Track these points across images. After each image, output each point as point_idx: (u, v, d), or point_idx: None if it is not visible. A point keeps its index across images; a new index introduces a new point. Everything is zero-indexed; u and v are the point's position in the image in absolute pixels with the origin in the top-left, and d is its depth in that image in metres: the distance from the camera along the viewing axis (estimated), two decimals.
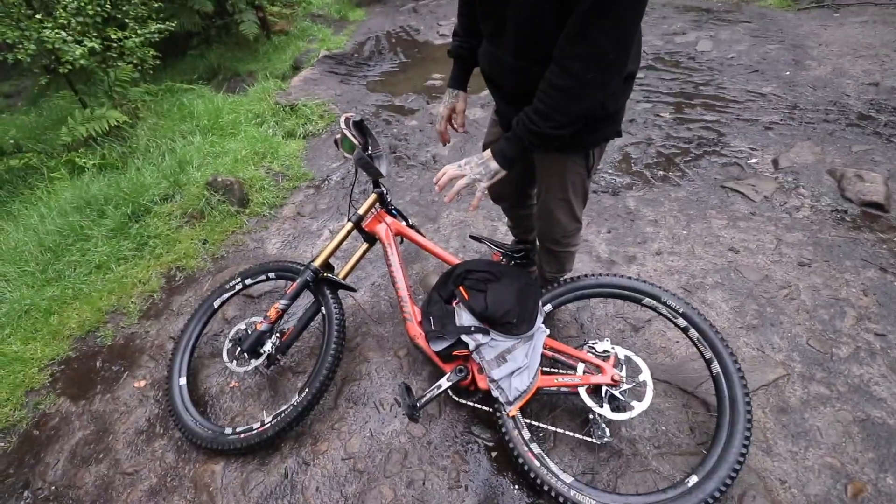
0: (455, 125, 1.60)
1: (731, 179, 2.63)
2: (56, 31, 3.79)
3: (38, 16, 3.85)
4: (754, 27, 4.82)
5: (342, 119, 1.69)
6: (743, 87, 3.65)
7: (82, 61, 3.90)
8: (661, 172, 2.77)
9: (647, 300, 1.51)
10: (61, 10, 3.96)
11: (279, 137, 3.66)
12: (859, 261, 2.07)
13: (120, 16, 4.73)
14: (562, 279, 1.63)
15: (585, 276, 1.59)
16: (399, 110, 4.08)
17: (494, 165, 1.14)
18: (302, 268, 1.79)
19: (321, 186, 3.09)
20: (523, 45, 1.05)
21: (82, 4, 4.08)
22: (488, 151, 1.16)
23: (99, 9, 4.17)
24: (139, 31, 4.55)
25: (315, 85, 4.73)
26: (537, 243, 1.68)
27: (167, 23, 4.81)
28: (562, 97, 0.98)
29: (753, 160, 2.79)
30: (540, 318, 1.50)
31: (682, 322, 1.47)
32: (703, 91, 3.66)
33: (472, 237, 2.19)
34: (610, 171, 2.83)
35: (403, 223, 1.84)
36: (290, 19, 8.00)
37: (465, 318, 1.50)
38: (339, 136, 1.71)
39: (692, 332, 1.46)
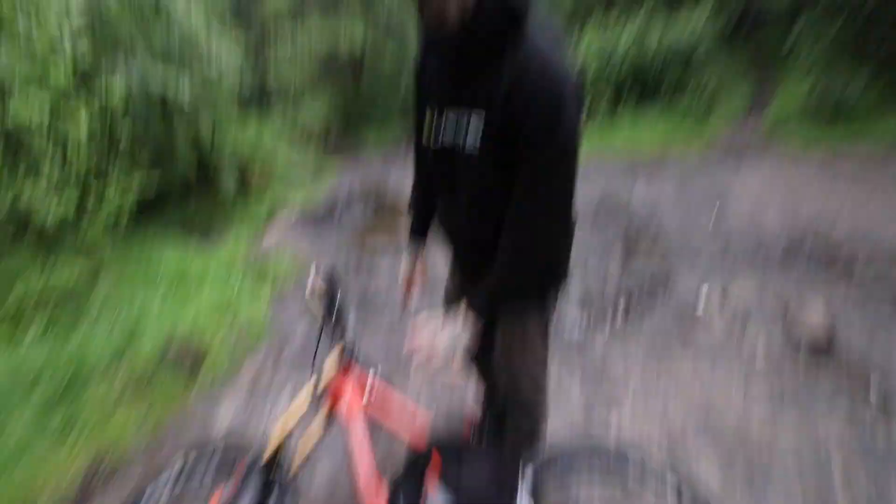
0: (414, 290, 1.63)
1: (688, 318, 2.74)
2: (35, 188, 3.92)
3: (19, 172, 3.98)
4: (679, 175, 5.54)
5: (311, 274, 1.71)
6: (679, 227, 4.04)
7: (59, 212, 3.97)
8: (621, 312, 2.87)
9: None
10: (48, 162, 4.14)
11: (245, 293, 3.66)
12: (826, 402, 2.07)
13: (105, 166, 5.01)
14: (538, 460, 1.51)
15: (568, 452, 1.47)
16: (369, 260, 4.24)
17: (461, 339, 1.13)
18: (250, 450, 1.62)
19: (283, 345, 3.01)
20: (475, 208, 1.15)
21: (68, 157, 4.31)
22: (451, 323, 1.14)
23: (86, 161, 4.40)
24: (121, 182, 4.77)
25: (287, 237, 4.94)
26: (506, 415, 1.60)
27: (149, 177, 5.10)
28: (516, 255, 1.05)
29: (703, 296, 2.95)
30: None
31: None
32: (644, 232, 4.03)
33: None
34: (569, 314, 2.91)
35: (370, 378, 1.74)
36: (269, 176, 8.69)
37: None
38: (307, 290, 1.70)
39: None
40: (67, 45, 4.27)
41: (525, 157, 0.95)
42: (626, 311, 2.90)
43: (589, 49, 9.46)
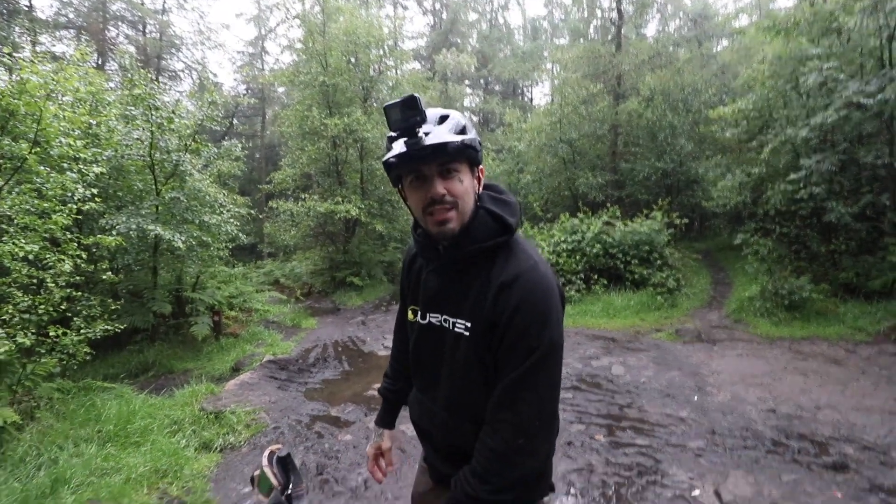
0: (382, 465, 1.48)
1: None
2: None
3: None
4: (654, 356, 5.65)
5: (265, 454, 1.54)
6: (662, 411, 3.94)
7: (2, 356, 3.69)
8: None
9: None
10: (10, 308, 3.99)
11: (191, 450, 3.25)
12: None
13: (70, 314, 4.84)
14: None
15: None
16: (335, 422, 3.91)
17: None
18: None
19: None
20: (456, 404, 1.10)
21: (36, 303, 4.19)
22: None
23: (52, 309, 4.26)
24: (82, 330, 4.56)
25: (251, 390, 4.61)
26: None
27: (115, 324, 4.92)
28: (495, 460, 0.97)
29: (696, 492, 2.72)
30: None
31: None
32: (627, 413, 3.90)
33: None
34: (559, 503, 2.61)
35: None
36: (244, 324, 8.53)
37: None
38: (256, 472, 1.51)
39: None
40: (78, 194, 4.56)
41: (509, 362, 0.96)
42: (616, 500, 2.62)
43: (559, 240, 10.59)
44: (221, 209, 8.00)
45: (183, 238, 6.60)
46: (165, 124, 6.94)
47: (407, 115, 0.94)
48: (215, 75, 23.92)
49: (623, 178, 15.20)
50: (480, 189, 1.08)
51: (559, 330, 0.98)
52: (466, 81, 26.77)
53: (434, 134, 0.96)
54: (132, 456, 3.01)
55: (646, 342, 6.43)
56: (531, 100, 30.10)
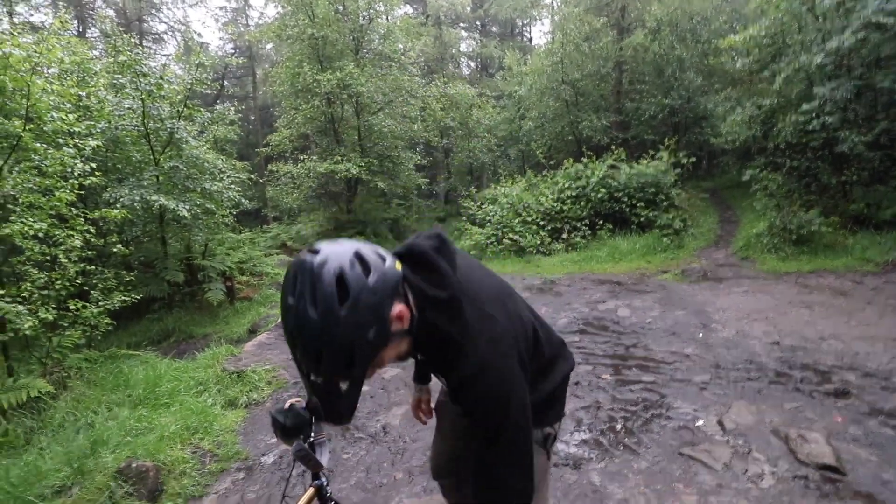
0: (423, 413, 1.59)
1: (687, 445, 2.60)
2: (12, 303, 3.85)
3: None
4: (660, 296, 5.72)
5: (287, 404, 1.63)
6: (667, 349, 4.04)
7: (28, 332, 3.84)
8: (617, 439, 2.72)
9: None
10: (28, 285, 4.11)
11: (218, 408, 3.42)
12: None
13: (87, 288, 4.98)
14: None
15: None
16: None
17: None
18: None
19: (254, 468, 2.73)
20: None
21: (52, 279, 4.30)
22: None
23: (68, 283, 4.38)
24: (101, 302, 4.71)
25: (268, 349, 4.78)
26: None
27: (132, 294, 5.07)
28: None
29: (700, 422, 2.84)
30: None
31: None
32: (634, 353, 4.01)
33: None
34: (566, 439, 2.75)
35: None
36: (257, 287, 8.72)
37: None
38: (276, 430, 1.60)
39: None
40: (78, 169, 4.54)
41: (478, 440, 0.98)
42: (623, 435, 2.76)
43: (563, 187, 10.45)
44: (222, 175, 7.96)
45: (187, 207, 6.63)
46: (155, 91, 6.78)
47: (296, 430, 1.08)
48: (200, 35, 23.02)
49: (628, 118, 14.74)
50: (413, 306, 0.92)
51: (522, 411, 0.96)
52: (461, 24, 25.47)
53: (332, 409, 0.87)
54: (163, 416, 3.19)
55: (652, 284, 6.49)
56: (530, 40, 28.69)
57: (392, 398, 3.53)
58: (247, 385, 3.88)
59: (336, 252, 0.82)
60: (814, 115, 7.57)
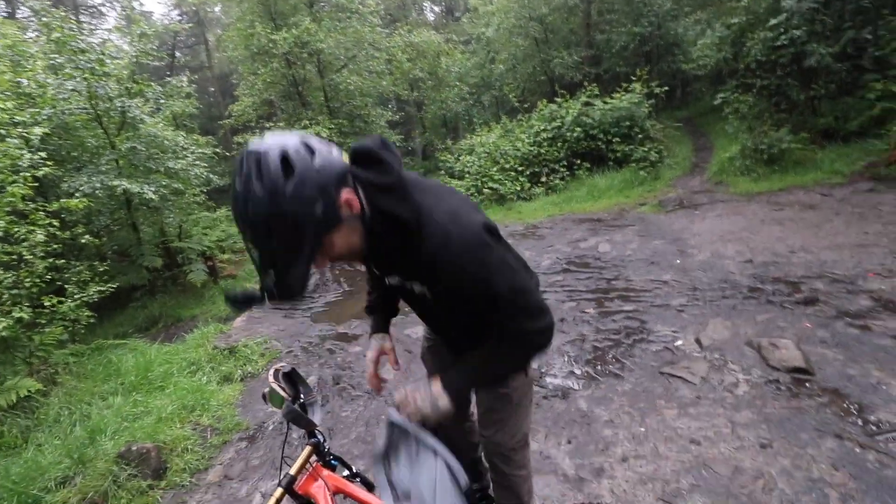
0: (390, 365, 1.59)
1: (667, 364, 2.73)
2: None
3: None
4: (639, 229, 5.81)
5: (270, 372, 1.64)
6: (646, 278, 4.15)
7: (4, 333, 3.77)
8: (601, 367, 2.84)
9: None
10: None
11: (213, 385, 3.46)
12: (813, 431, 2.05)
13: (60, 282, 4.86)
14: None
15: None
16: (343, 338, 4.13)
17: (444, 403, 1.06)
18: None
19: (255, 436, 2.81)
20: (451, 329, 1.24)
21: (21, 277, 4.18)
22: (438, 385, 1.08)
23: (38, 280, 4.27)
24: (77, 296, 4.61)
25: (258, 323, 4.79)
26: (488, 471, 1.52)
27: (109, 284, 4.97)
28: (510, 358, 1.10)
29: (679, 342, 2.97)
30: None
31: None
32: (615, 285, 4.12)
33: None
34: (554, 373, 2.86)
35: (346, 473, 1.62)
36: (240, 264, 8.62)
37: None
38: (266, 390, 1.63)
39: None
40: (27, 160, 4.30)
41: (486, 309, 1.01)
42: (608, 362, 2.88)
43: (539, 130, 10.28)
44: (185, 153, 7.64)
45: (153, 189, 6.39)
46: (98, 68, 6.33)
47: (243, 306, 0.97)
48: (141, 3, 21.28)
49: (599, 51, 14.35)
50: (362, 197, 0.91)
51: (501, 259, 0.97)
52: None
53: (278, 285, 0.85)
54: (158, 399, 3.22)
55: (630, 217, 6.57)
56: None
57: None
58: (240, 360, 3.91)
59: (281, 138, 0.84)
60: (782, 29, 7.44)
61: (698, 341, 2.95)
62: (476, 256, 0.92)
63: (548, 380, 2.79)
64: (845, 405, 2.19)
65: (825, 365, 2.51)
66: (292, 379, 1.68)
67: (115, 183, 6.00)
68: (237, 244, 9.86)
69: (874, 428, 2.03)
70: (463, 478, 1.06)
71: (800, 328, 2.93)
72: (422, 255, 0.93)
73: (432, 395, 1.08)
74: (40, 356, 4.19)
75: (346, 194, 0.86)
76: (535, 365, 1.39)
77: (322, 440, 1.71)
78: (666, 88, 11.11)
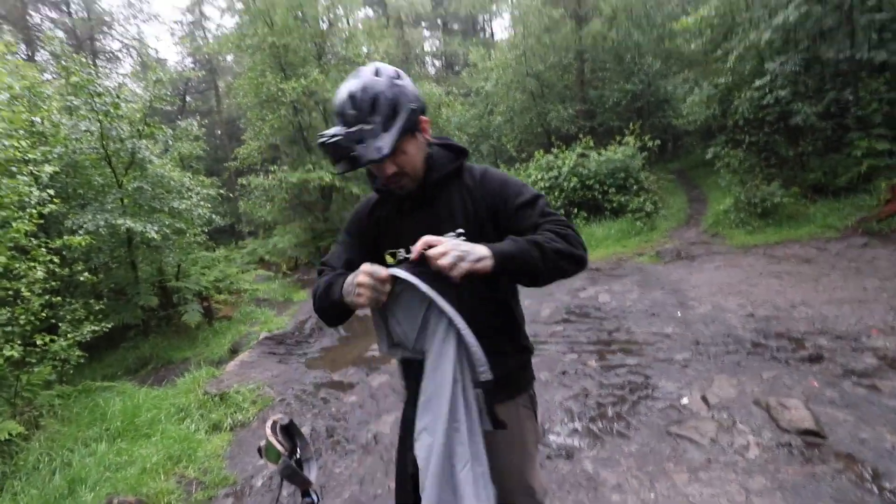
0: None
1: (674, 424, 2.66)
2: None
3: None
4: (638, 279, 5.83)
5: (268, 424, 1.58)
6: (648, 330, 4.12)
7: None
8: (606, 425, 2.76)
9: None
10: None
11: (202, 433, 3.33)
12: (830, 500, 1.96)
13: (55, 320, 4.77)
14: None
15: None
16: (338, 386, 4.02)
17: (483, 250, 0.99)
18: None
19: (243, 492, 2.66)
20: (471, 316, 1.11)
21: (16, 315, 4.10)
22: (482, 246, 1.00)
23: (33, 317, 4.19)
24: (70, 334, 4.52)
25: (251, 368, 4.68)
26: None
27: (103, 324, 4.88)
28: (567, 239, 1.07)
29: (685, 400, 2.90)
30: None
31: None
32: (616, 337, 4.08)
33: None
34: (557, 430, 2.77)
35: None
36: (235, 305, 8.52)
37: None
38: (262, 443, 1.56)
39: None
40: (35, 197, 4.35)
41: (522, 217, 1.13)
42: (612, 420, 2.80)
43: (536, 179, 10.55)
44: (190, 193, 7.74)
45: (156, 228, 6.42)
46: (112, 111, 6.53)
47: (338, 152, 1.03)
48: (156, 51, 22.33)
49: (593, 106, 14.96)
50: (428, 135, 1.19)
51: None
52: (423, 23, 25.42)
53: (368, 143, 1.02)
54: (144, 447, 3.08)
55: (629, 267, 6.60)
56: (492, 35, 28.81)
57: (381, 406, 3.50)
58: (230, 407, 3.79)
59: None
60: (767, 89, 7.83)
61: (705, 399, 2.88)
62: (512, 177, 1.22)
63: (551, 437, 2.70)
64: (861, 471, 2.11)
65: (836, 427, 2.45)
66: (290, 432, 1.62)
67: (120, 221, 6.03)
68: (233, 284, 9.80)
69: (892, 496, 1.95)
70: (480, 357, 1.01)
71: (807, 387, 2.88)
72: (472, 175, 1.21)
73: (474, 247, 0.99)
74: (26, 397, 4.03)
75: (425, 121, 1.15)
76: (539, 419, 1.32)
77: (316, 500, 1.63)
78: (658, 142, 11.51)
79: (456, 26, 27.55)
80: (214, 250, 12.29)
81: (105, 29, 20.59)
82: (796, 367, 3.14)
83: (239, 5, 14.19)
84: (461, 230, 1.15)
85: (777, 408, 2.62)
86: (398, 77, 1.09)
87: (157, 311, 7.77)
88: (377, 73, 1.08)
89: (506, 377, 1.21)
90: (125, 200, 6.79)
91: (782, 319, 3.97)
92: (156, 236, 6.34)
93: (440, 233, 1.10)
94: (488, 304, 1.20)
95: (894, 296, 4.10)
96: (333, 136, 1.03)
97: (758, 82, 7.93)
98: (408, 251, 1.15)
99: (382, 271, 1.02)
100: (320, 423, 3.37)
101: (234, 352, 5.78)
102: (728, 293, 4.81)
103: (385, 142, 1.03)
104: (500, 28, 29.63)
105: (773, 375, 3.06)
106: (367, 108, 1.03)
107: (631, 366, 3.48)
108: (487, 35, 28.77)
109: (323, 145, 1.04)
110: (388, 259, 1.26)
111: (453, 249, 0.96)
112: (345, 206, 14.36)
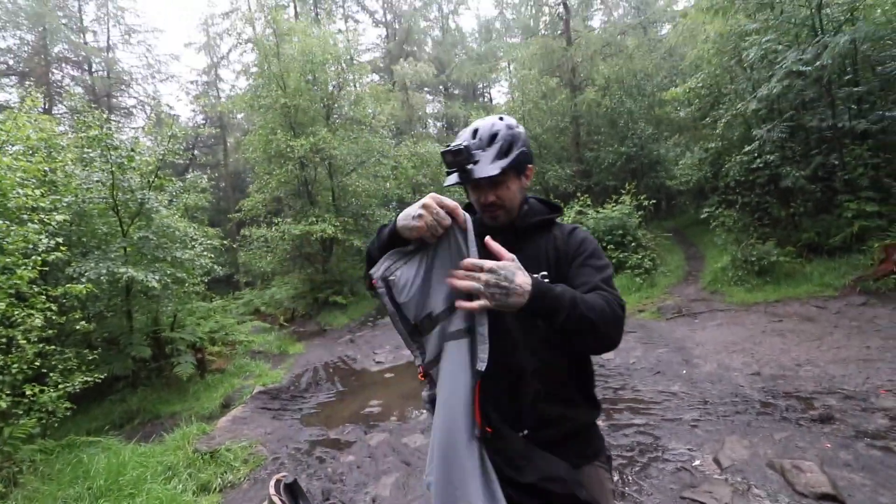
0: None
1: (687, 488, 2.55)
2: None
3: None
4: (640, 335, 5.78)
5: (271, 483, 1.53)
6: (654, 388, 4.04)
7: None
8: (617, 489, 2.64)
9: None
10: None
11: (189, 495, 3.16)
12: None
13: (45, 370, 4.64)
14: None
15: None
16: (335, 445, 3.86)
17: (524, 285, 0.98)
18: None
19: None
20: (540, 360, 1.17)
21: (8, 363, 4.00)
22: (525, 274, 1.01)
23: (25, 367, 4.09)
24: (60, 385, 4.39)
25: (244, 424, 4.51)
26: None
27: (95, 374, 4.76)
28: (610, 316, 1.05)
29: (696, 462, 2.80)
30: None
31: None
32: (622, 395, 3.99)
33: None
34: None
35: None
36: (229, 358, 8.33)
37: None
38: (264, 503, 1.50)
39: None
40: (42, 244, 4.41)
41: (585, 276, 1.16)
42: (623, 482, 2.68)
43: None
44: (193, 243, 7.82)
45: (157, 277, 6.42)
46: (126, 163, 6.76)
47: (458, 160, 1.14)
48: (171, 108, 23.40)
49: (589, 166, 15.53)
50: (528, 182, 1.29)
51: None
52: (426, 88, 26.90)
53: (481, 164, 1.16)
54: None
55: (631, 323, 6.56)
56: (491, 100, 30.43)
57: (380, 466, 3.35)
58: (221, 466, 3.62)
59: None
60: (756, 154, 8.19)
61: (717, 461, 2.78)
62: (596, 242, 1.27)
63: None
64: None
65: (854, 491, 2.35)
66: (293, 491, 1.57)
67: (122, 270, 6.04)
68: (229, 336, 9.63)
69: None
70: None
71: (820, 448, 2.80)
72: (563, 230, 1.28)
73: (518, 272, 1.00)
74: (6, 451, 3.85)
75: (530, 168, 1.27)
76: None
77: None
78: (653, 201, 11.85)
79: (457, 91, 29.16)
80: (212, 300, 12.20)
81: (123, 87, 21.71)
82: (808, 429, 3.05)
83: (254, 69, 15.09)
84: (545, 272, 1.20)
85: (792, 471, 2.52)
86: (516, 126, 1.23)
87: (149, 363, 7.58)
88: (500, 119, 1.24)
89: (578, 432, 1.21)
90: (128, 249, 6.85)
91: (789, 378, 3.91)
92: (156, 285, 6.33)
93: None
94: (559, 344, 1.14)
95: None
96: (458, 145, 1.14)
97: (747, 147, 8.32)
98: None
99: (451, 201, 1.10)
100: (315, 484, 3.20)
101: (226, 406, 5.59)
102: (732, 351, 4.76)
103: (496, 166, 1.15)
104: (498, 93, 31.37)
105: (785, 436, 2.97)
106: (487, 139, 1.19)
107: (639, 425, 3.38)
108: (486, 100, 30.41)
109: (445, 153, 1.14)
110: None
111: (497, 272, 0.99)
112: (344, 258, 14.45)
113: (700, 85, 9.84)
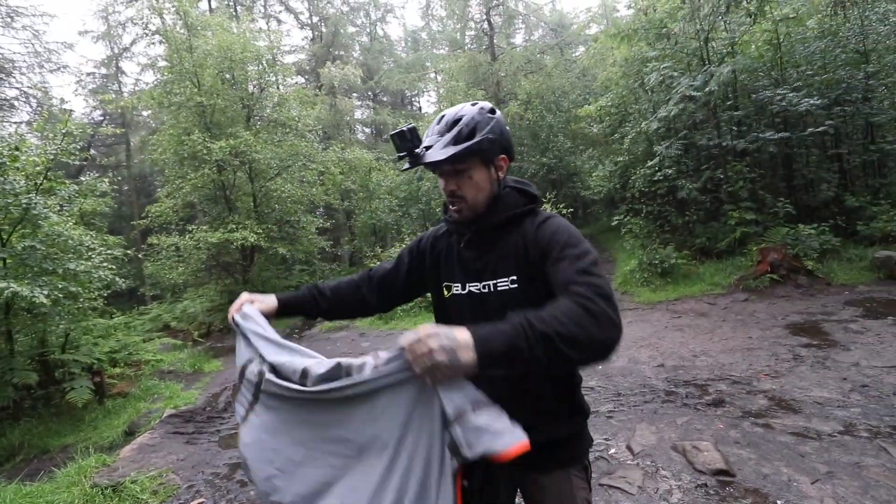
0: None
1: (605, 475, 2.75)
2: None
3: None
4: None
5: None
6: None
7: None
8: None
9: None
10: None
11: None
12: None
13: None
14: None
15: None
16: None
17: (467, 356, 0.80)
18: None
19: None
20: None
21: None
22: (465, 332, 0.82)
23: None
24: None
25: (152, 452, 4.11)
26: None
27: None
28: (582, 316, 0.87)
29: (612, 450, 3.04)
30: None
31: None
32: None
33: None
34: None
35: None
36: (134, 380, 7.54)
37: None
38: None
39: None
40: None
41: (563, 268, 0.99)
42: None
43: None
44: (90, 253, 7.00)
45: (45, 292, 5.65)
46: (8, 163, 5.90)
47: (404, 144, 1.13)
48: (65, 101, 20.72)
49: (513, 175, 16.26)
50: (504, 175, 1.21)
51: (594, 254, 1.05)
52: (354, 94, 26.54)
53: (434, 149, 1.11)
54: None
55: None
56: (420, 108, 30.78)
57: None
58: (125, 500, 3.26)
59: None
60: (657, 168, 9.13)
61: (629, 448, 3.04)
62: (576, 232, 1.10)
63: None
64: (767, 497, 2.32)
65: (742, 465, 2.69)
66: None
67: (2, 285, 5.24)
68: (133, 355, 8.70)
69: None
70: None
71: (714, 429, 3.16)
72: (534, 223, 1.14)
73: (455, 340, 0.81)
74: None
75: (503, 159, 1.19)
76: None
77: None
78: (571, 210, 12.68)
79: (386, 98, 29.10)
80: (112, 317, 10.95)
81: (2, 76, 18.93)
82: (704, 412, 3.44)
83: (163, 63, 13.92)
84: (514, 277, 1.11)
85: (692, 451, 2.83)
86: (492, 112, 1.16)
87: (35, 390, 6.63)
88: (474, 104, 1.18)
89: (553, 444, 1.12)
90: (8, 261, 5.98)
91: (687, 368, 4.38)
92: (45, 301, 5.57)
93: (494, 276, 1.15)
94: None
95: (774, 343, 4.73)
96: (403, 127, 1.14)
97: (649, 162, 9.24)
98: (463, 287, 1.20)
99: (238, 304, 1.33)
100: None
101: (130, 434, 5.05)
102: (640, 346, 5.22)
103: (447, 151, 1.09)
104: (427, 103, 31.81)
105: (685, 420, 3.33)
106: (449, 124, 1.14)
107: None
108: (415, 108, 30.68)
109: (393, 135, 1.13)
110: (445, 292, 1.28)
111: (434, 354, 0.80)
112: (267, 267, 13.73)
113: (609, 104, 10.76)
